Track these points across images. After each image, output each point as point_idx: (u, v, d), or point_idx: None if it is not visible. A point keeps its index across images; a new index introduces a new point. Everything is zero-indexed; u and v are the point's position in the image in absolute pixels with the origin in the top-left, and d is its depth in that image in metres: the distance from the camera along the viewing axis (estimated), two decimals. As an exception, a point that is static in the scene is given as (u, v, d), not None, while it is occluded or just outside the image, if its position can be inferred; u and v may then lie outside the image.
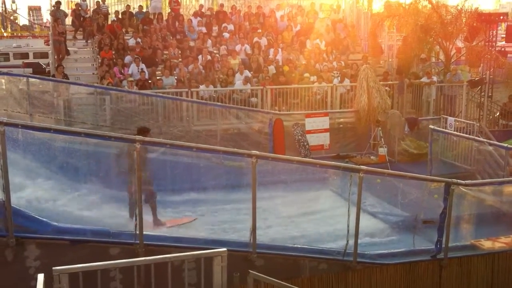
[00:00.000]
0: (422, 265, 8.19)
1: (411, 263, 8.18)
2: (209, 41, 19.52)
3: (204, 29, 20.18)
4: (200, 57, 18.27)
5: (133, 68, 17.08)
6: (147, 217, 8.43)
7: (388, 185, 9.28)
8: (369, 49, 20.94)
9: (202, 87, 16.52)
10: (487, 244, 8.83)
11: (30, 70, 30.38)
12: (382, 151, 15.35)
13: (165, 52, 18.78)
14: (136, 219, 7.11)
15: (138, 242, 7.13)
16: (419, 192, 9.11)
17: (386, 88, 17.44)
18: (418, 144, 15.68)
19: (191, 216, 9.02)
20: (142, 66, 17.13)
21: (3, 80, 14.36)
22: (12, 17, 51.69)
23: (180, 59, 18.28)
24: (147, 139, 7.63)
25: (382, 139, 15.46)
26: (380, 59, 20.71)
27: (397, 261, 8.18)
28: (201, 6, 22.04)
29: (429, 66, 19.94)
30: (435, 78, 18.64)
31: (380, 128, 15.65)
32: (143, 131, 9.23)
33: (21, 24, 52.15)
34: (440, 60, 21.37)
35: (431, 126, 14.51)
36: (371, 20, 21.50)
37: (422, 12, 20.31)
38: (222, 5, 21.95)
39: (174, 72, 17.38)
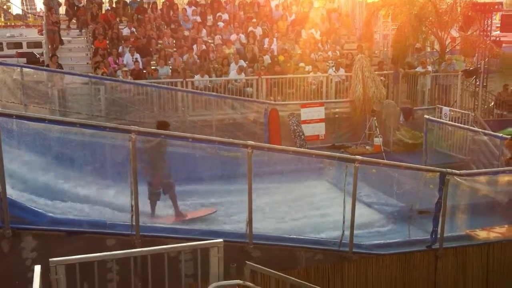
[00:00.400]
0: (417, 255, 8.25)
1: (407, 253, 8.23)
2: (204, 31, 19.41)
3: (198, 19, 20.07)
4: (195, 46, 18.18)
5: (127, 58, 16.97)
6: (168, 210, 8.49)
7: (384, 175, 9.28)
8: (362, 36, 20.88)
9: (197, 77, 16.45)
10: (482, 234, 8.89)
11: (24, 60, 30.13)
12: (377, 141, 15.38)
13: (160, 41, 18.67)
14: (132, 210, 7.10)
15: (135, 233, 7.12)
16: (414, 182, 9.13)
17: (381, 78, 17.43)
18: (413, 134, 15.72)
19: (212, 207, 9.00)
20: (137, 55, 17.03)
21: (-4, 70, 14.25)
22: (5, 6, 51.20)
23: (174, 49, 18.18)
24: (142, 129, 7.60)
25: (377, 129, 15.49)
26: (372, 46, 20.61)
27: (392, 252, 8.23)
28: (196, -6, 21.89)
29: (424, 56, 19.94)
30: (430, 68, 18.65)
31: (375, 118, 15.66)
32: (163, 125, 9.11)
33: (14, 14, 51.66)
34: (435, 50, 21.38)
35: (426, 116, 14.53)
36: (366, 9, 21.45)
37: (417, 1, 20.29)
38: (217, -6, 21.82)
39: (169, 62, 17.29)
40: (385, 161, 10.99)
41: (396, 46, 20.10)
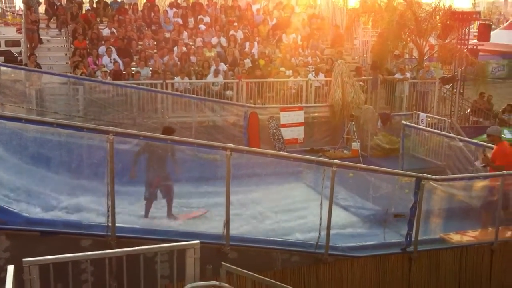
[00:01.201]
0: (392, 258, 8.35)
1: (382, 255, 8.32)
2: (185, 33, 19.39)
3: (180, 21, 20.04)
4: (175, 48, 18.15)
5: (106, 59, 16.87)
6: (162, 213, 8.52)
7: (361, 179, 9.38)
8: (339, 41, 21.00)
9: (177, 79, 16.42)
10: (455, 238, 9.04)
11: (2, 58, 29.76)
12: (355, 145, 15.51)
13: (140, 43, 18.60)
14: (108, 211, 7.07)
15: (110, 234, 7.09)
16: (390, 186, 9.25)
17: (360, 83, 17.59)
18: (391, 139, 15.88)
19: (203, 209, 8.99)
20: (115, 56, 16.93)
21: (-27, 69, 14.06)
22: (-17, 5, 50.52)
23: (155, 50, 18.13)
24: (120, 130, 7.57)
25: (356, 133, 15.62)
26: (341, 49, 20.69)
27: (368, 254, 8.31)
28: (178, -4, 21.89)
29: (403, 63, 20.17)
30: (408, 75, 18.87)
31: (353, 123, 15.80)
32: (169, 131, 9.11)
33: (-7, 12, 51.02)
34: (413, 57, 21.67)
35: (404, 122, 14.69)
36: (347, 15, 21.65)
37: (397, 9, 20.55)
38: (198, -4, 21.86)
39: (149, 63, 17.23)
40: (362, 165, 11.11)
41: (375, 52, 20.31)
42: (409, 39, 20.56)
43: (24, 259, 5.21)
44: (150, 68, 16.92)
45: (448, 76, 19.81)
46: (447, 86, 19.75)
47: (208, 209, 8.79)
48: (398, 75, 18.64)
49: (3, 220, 6.86)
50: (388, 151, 15.56)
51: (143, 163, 8.41)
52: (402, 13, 20.16)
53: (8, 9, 50.54)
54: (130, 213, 8.28)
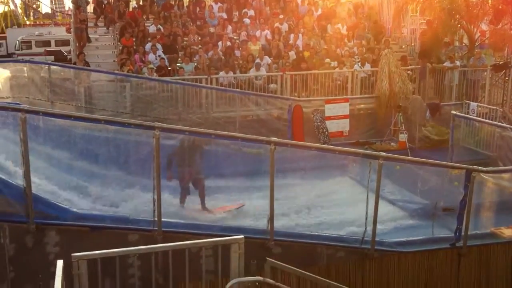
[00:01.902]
0: (440, 253, 8.15)
1: (430, 251, 8.13)
2: (229, 27, 19.44)
3: (224, 15, 20.11)
4: (220, 43, 18.22)
5: (152, 56, 17.12)
6: (196, 205, 8.59)
7: (408, 172, 9.21)
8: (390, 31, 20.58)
9: (221, 73, 16.50)
10: (507, 232, 8.71)
11: (52, 57, 30.64)
12: (403, 137, 15.18)
13: (185, 38, 18.78)
14: (154, 205, 7.17)
15: (157, 228, 7.19)
16: (439, 179, 9.01)
17: (408, 72, 17.20)
18: (440, 130, 15.47)
19: (239, 202, 9.05)
20: (160, 53, 17.15)
21: (25, 68, 14.51)
22: (34, 5, 52.05)
23: (200, 46, 18.26)
24: (166, 126, 7.68)
25: (403, 125, 15.29)
26: (388, 39, 20.23)
27: (415, 249, 8.14)
28: (222, -9, 21.94)
29: (452, 50, 19.59)
30: (458, 63, 18.32)
31: (401, 114, 15.46)
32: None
33: (43, 12, 52.47)
34: (464, 44, 20.99)
35: (453, 112, 14.30)
36: (394, 3, 21.17)
37: (447, -6, 19.92)
38: (243, -10, 21.86)
39: (194, 59, 17.37)
40: (410, 157, 10.89)
41: (424, 40, 19.80)
42: (459, 25, 19.90)
43: (73, 254, 5.34)
44: (195, 64, 17.05)
45: (500, 63, 19.07)
46: (499, 74, 19.04)
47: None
48: (447, 63, 18.11)
49: (53, 215, 7.07)
50: (437, 143, 15.18)
51: (175, 159, 8.44)
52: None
53: (58, 9, 52.00)
54: (175, 208, 8.38)
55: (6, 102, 10.44)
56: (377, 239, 7.89)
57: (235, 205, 8.93)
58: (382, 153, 7.97)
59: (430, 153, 13.73)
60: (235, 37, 19.04)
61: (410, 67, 17.89)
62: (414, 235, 8.62)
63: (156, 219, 7.20)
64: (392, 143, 15.46)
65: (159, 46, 17.50)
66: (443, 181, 8.97)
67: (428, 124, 15.84)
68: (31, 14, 51.82)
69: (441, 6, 19.17)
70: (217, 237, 6.22)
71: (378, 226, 7.88)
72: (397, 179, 9.71)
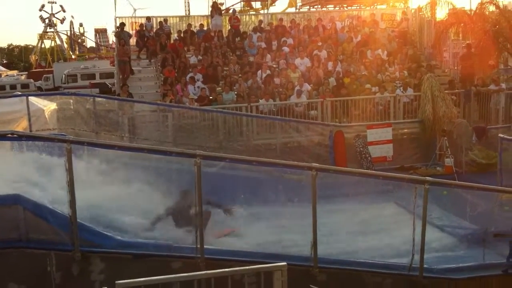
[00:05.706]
0: (493, 280, 7.79)
1: (482, 277, 7.79)
2: (268, 56, 19.61)
3: (263, 44, 20.31)
4: (259, 72, 18.35)
5: (191, 87, 17.38)
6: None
7: (456, 197, 8.93)
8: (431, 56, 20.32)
9: (261, 101, 16.58)
10: None
11: (97, 90, 31.56)
12: (449, 161, 14.83)
13: (226, 68, 19.01)
14: (197, 232, 7.15)
15: (199, 255, 7.15)
16: (488, 204, 8.68)
17: (452, 96, 16.89)
18: (487, 154, 15.04)
19: (232, 227, 8.93)
20: (199, 84, 17.40)
21: (71, 100, 14.94)
22: (79, 40, 54.02)
23: (240, 75, 18.44)
24: (207, 153, 7.70)
25: (448, 149, 14.95)
26: (431, 63, 19.95)
27: (465, 276, 7.81)
28: (261, 21, 22.25)
29: (497, 73, 19.16)
30: (503, 85, 17.88)
31: (446, 138, 15.15)
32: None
33: (88, 46, 54.39)
34: (509, 66, 20.52)
35: (501, 135, 13.85)
36: (435, 28, 20.95)
37: (489, 18, 19.60)
38: (281, 20, 22.07)
39: (234, 88, 17.54)
40: (457, 182, 10.58)
41: (467, 64, 19.44)
42: (503, 48, 19.49)
43: (117, 282, 5.34)
44: (235, 92, 17.20)
45: (548, 84, 18.54)
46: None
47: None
48: (492, 86, 17.69)
49: (98, 243, 7.12)
50: (485, 167, 14.74)
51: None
52: (496, 22, 19.19)
53: (102, 43, 53.73)
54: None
55: (53, 134, 10.74)
56: (425, 265, 7.63)
57: (228, 230, 8.81)
58: (428, 178, 7.75)
59: (478, 177, 13.34)
60: (274, 65, 19.16)
61: (454, 91, 17.55)
62: (464, 261, 8.28)
63: (198, 246, 7.17)
64: (438, 168, 15.12)
65: (198, 76, 17.76)
66: (493, 206, 8.64)
67: (475, 148, 15.44)
68: (77, 48, 53.72)
69: (484, 29, 18.86)
70: (259, 264, 6.13)
71: (426, 253, 7.62)
72: (444, 205, 9.42)
